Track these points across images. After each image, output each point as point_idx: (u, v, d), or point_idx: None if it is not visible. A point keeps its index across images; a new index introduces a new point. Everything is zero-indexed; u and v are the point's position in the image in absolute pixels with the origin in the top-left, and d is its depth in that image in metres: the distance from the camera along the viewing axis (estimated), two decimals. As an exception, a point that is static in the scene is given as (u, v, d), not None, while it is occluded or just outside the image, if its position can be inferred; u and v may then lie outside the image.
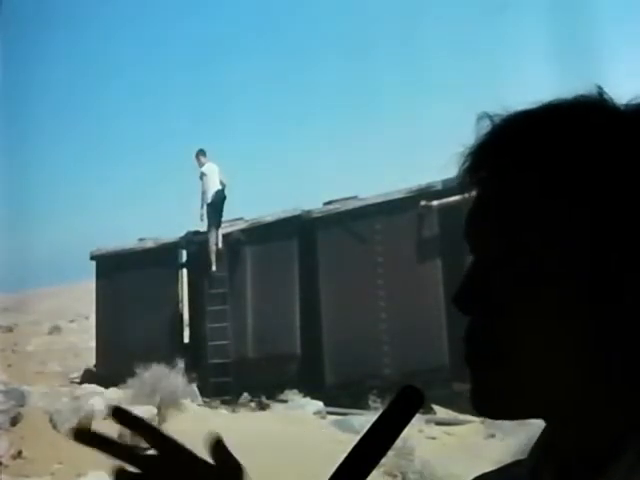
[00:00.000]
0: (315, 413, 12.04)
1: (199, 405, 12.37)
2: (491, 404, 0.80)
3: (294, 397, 12.61)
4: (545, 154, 0.78)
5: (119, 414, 0.90)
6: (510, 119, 0.81)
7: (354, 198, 13.81)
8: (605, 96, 0.81)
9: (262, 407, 12.73)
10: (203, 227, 14.05)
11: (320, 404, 12.21)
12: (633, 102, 0.81)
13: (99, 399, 10.74)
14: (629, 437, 0.76)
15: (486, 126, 0.82)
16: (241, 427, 11.00)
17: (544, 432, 0.85)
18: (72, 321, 21.92)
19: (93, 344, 15.07)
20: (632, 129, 0.78)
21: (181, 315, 14.45)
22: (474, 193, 0.82)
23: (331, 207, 13.78)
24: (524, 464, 0.88)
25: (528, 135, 0.79)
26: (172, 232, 14.64)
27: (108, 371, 12.81)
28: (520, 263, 0.77)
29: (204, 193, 13.80)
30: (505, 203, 0.79)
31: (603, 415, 0.78)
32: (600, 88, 0.81)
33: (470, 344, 0.80)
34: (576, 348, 0.77)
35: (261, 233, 13.78)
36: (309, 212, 13.88)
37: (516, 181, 0.78)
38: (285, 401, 12.66)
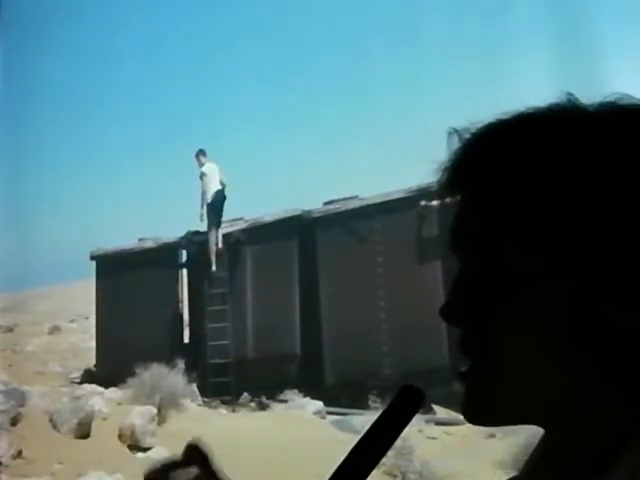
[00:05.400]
0: (315, 413, 12.04)
1: (199, 405, 12.37)
2: (482, 413, 0.82)
3: (294, 397, 12.62)
4: (519, 167, 0.79)
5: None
6: (481, 133, 0.83)
7: (354, 198, 13.82)
8: (576, 101, 0.82)
9: (262, 407, 12.73)
10: (203, 227, 14.06)
11: (320, 404, 12.21)
12: (606, 100, 0.81)
13: (99, 399, 10.74)
14: (628, 438, 0.76)
15: (457, 141, 0.83)
16: (241, 427, 11.01)
17: (542, 439, 0.86)
18: (72, 321, 21.92)
19: (93, 344, 15.08)
20: (603, 132, 0.78)
21: (181, 315, 14.45)
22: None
23: (331, 207, 13.79)
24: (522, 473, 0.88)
25: (500, 149, 0.80)
26: (172, 232, 14.66)
27: (108, 371, 12.81)
28: (501, 274, 0.79)
29: (204, 193, 13.81)
30: (482, 217, 0.80)
31: (598, 417, 0.78)
32: (570, 94, 0.82)
33: (463, 354, 0.82)
34: (562, 349, 0.77)
35: (261, 233, 13.79)
36: (309, 212, 13.88)
37: (491, 195, 0.80)
38: (285, 401, 12.66)
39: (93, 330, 15.42)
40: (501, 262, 0.78)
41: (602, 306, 0.76)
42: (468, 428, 10.72)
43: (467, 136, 0.83)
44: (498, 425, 0.83)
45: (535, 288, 0.77)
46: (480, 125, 0.83)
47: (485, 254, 0.80)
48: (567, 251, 0.77)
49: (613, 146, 0.77)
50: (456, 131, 0.84)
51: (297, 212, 13.90)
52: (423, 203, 12.85)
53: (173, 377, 11.36)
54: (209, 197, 13.79)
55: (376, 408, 10.80)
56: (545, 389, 0.78)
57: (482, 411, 0.81)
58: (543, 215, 0.77)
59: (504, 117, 0.82)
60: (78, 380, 14.11)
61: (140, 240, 14.75)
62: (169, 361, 11.77)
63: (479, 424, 0.82)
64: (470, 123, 0.83)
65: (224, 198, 13.96)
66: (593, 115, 0.80)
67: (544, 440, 0.85)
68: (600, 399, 0.78)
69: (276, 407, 12.60)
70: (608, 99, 0.81)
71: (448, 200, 0.85)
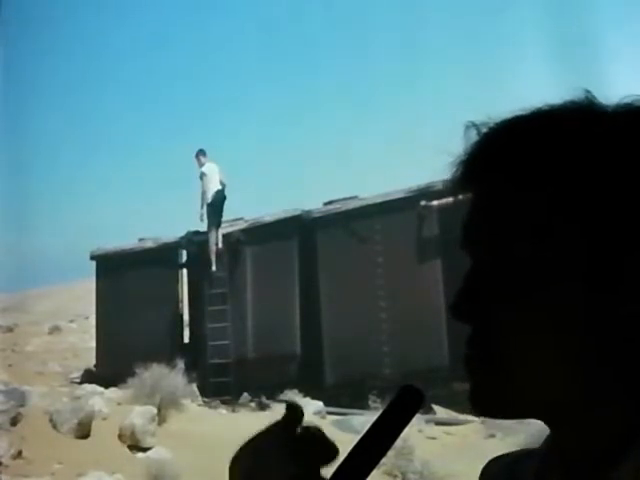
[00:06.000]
0: (315, 413, 12.02)
1: (199, 405, 12.37)
2: (489, 405, 0.81)
3: (294, 397, 12.60)
4: (536, 163, 0.79)
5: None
6: (499, 128, 0.82)
7: (354, 198, 13.82)
8: (594, 100, 0.81)
9: (262, 407, 12.73)
10: (203, 227, 14.06)
11: (320, 404, 12.20)
12: (623, 101, 0.81)
13: (99, 399, 10.74)
14: (636, 437, 0.76)
15: (474, 135, 0.83)
16: (241, 427, 11.00)
17: (548, 437, 0.86)
18: (72, 321, 21.93)
19: (93, 344, 15.08)
20: (621, 132, 0.78)
21: (181, 315, 14.45)
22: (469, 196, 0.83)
23: (331, 207, 13.79)
24: (534, 455, 0.88)
25: (517, 145, 0.80)
26: (172, 232, 14.67)
27: (108, 371, 12.81)
28: (515, 272, 0.78)
29: (204, 193, 13.81)
30: (497, 213, 0.80)
31: (607, 416, 0.78)
32: (588, 92, 0.81)
33: (469, 349, 0.81)
34: (573, 348, 0.77)
35: (261, 233, 13.79)
36: (309, 212, 13.88)
37: (507, 191, 0.79)
38: (285, 401, 12.66)
39: (93, 330, 15.43)
40: (516, 259, 0.78)
41: (616, 306, 0.76)
42: (468, 428, 10.72)
43: (484, 131, 0.82)
44: (503, 418, 0.83)
45: (550, 287, 0.77)
46: (497, 120, 0.82)
47: (499, 251, 0.79)
48: (583, 250, 0.77)
49: (631, 147, 0.77)
50: (474, 125, 0.83)
51: (297, 212, 13.89)
52: (423, 203, 12.85)
53: (173, 377, 11.36)
54: (209, 197, 13.79)
55: (376, 408, 10.80)
56: (556, 388, 0.78)
57: (489, 405, 0.81)
58: (560, 213, 0.77)
59: (522, 113, 0.82)
60: (78, 380, 14.11)
61: (140, 240, 14.75)
62: (169, 361, 11.77)
63: (487, 415, 0.82)
64: (488, 118, 0.82)
65: (224, 198, 13.96)
66: (612, 115, 0.80)
67: (551, 439, 0.85)
68: (609, 398, 0.78)
69: (276, 407, 12.59)
70: (625, 100, 0.81)
71: (460, 197, 0.84)
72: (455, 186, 0.83)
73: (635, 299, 0.76)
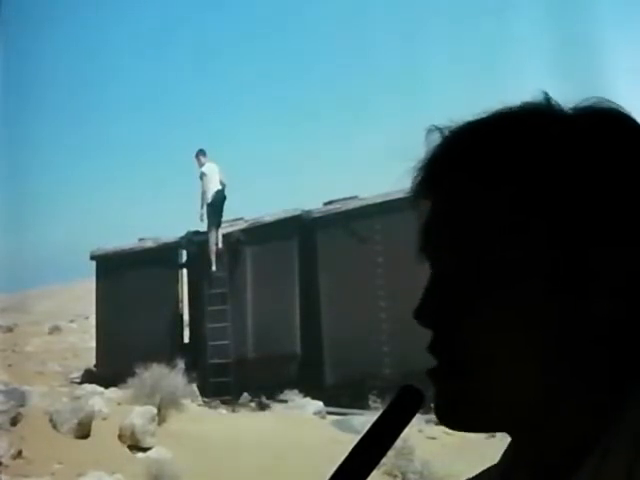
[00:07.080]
0: (315, 413, 12.03)
1: (199, 405, 12.37)
2: (453, 417, 0.81)
3: (294, 397, 12.61)
4: (497, 163, 0.78)
5: None
6: (459, 131, 0.82)
7: (354, 198, 13.82)
8: (552, 102, 0.81)
9: (262, 407, 12.73)
10: (203, 227, 14.06)
11: (320, 404, 12.21)
12: (581, 105, 0.81)
13: (99, 399, 10.74)
14: (596, 438, 0.76)
15: (436, 139, 0.82)
16: (241, 427, 11.00)
17: (510, 444, 0.85)
18: (72, 321, 21.92)
19: (93, 344, 15.09)
20: (581, 133, 0.78)
21: (181, 315, 14.45)
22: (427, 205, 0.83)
23: (331, 207, 13.79)
24: (496, 468, 0.88)
25: (479, 146, 0.80)
26: (172, 232, 14.67)
27: (108, 371, 12.81)
28: (479, 272, 0.77)
29: (204, 193, 13.81)
30: (457, 216, 0.79)
31: (570, 418, 0.78)
32: (546, 94, 0.82)
33: (432, 355, 0.81)
34: (538, 352, 0.77)
35: (261, 233, 13.79)
36: (309, 212, 13.88)
37: (471, 192, 0.79)
38: (285, 401, 12.66)
39: (93, 330, 15.43)
40: (482, 260, 0.77)
41: (586, 304, 0.76)
42: (468, 428, 10.72)
43: (445, 134, 0.82)
44: (467, 431, 0.80)
45: (517, 286, 0.76)
46: (459, 124, 0.82)
47: (464, 252, 0.78)
48: (550, 248, 0.76)
49: (591, 147, 0.78)
50: (437, 129, 0.83)
51: (297, 212, 13.90)
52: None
53: (173, 377, 11.35)
54: (209, 197, 13.79)
55: (376, 408, 10.79)
56: (518, 390, 0.77)
57: (452, 414, 0.81)
58: (524, 212, 0.77)
59: (482, 116, 0.82)
60: (78, 380, 14.11)
61: (140, 240, 14.75)
62: (169, 361, 11.76)
63: (451, 428, 0.81)
64: (451, 121, 0.82)
65: (224, 198, 13.96)
66: (570, 116, 0.81)
67: (512, 450, 0.84)
68: (572, 400, 0.78)
69: (276, 407, 12.60)
70: (585, 103, 0.81)
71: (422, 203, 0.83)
72: (417, 190, 0.83)
73: (604, 296, 0.76)
